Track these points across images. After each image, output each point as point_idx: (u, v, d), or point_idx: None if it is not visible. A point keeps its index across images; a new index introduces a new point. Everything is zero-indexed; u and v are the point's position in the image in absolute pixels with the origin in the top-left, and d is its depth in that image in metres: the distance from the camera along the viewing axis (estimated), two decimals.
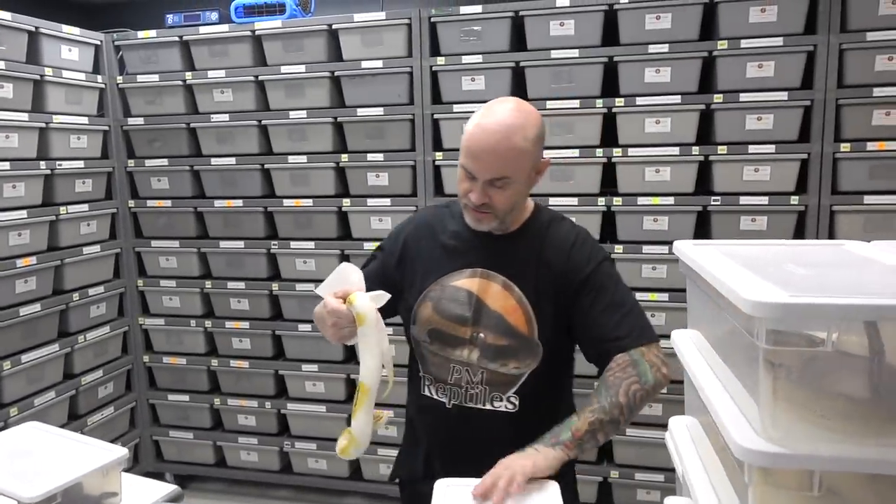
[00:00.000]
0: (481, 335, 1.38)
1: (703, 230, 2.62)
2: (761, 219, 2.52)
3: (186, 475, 3.40)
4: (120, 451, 1.46)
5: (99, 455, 1.45)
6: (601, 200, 2.65)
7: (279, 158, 2.98)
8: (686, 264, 0.97)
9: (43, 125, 2.76)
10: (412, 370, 1.52)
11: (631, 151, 2.59)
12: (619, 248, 2.65)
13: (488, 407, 1.39)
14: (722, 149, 2.51)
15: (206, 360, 3.22)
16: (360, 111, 2.84)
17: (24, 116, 2.67)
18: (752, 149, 2.48)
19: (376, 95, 2.83)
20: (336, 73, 2.85)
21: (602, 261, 1.39)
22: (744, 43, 2.43)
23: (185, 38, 2.99)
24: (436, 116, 2.77)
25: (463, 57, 2.69)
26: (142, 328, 3.29)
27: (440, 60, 2.72)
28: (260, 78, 2.94)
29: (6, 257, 2.60)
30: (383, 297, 1.33)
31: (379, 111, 2.81)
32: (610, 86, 2.62)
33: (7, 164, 2.59)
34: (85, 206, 2.98)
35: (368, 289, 1.35)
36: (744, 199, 2.51)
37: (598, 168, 2.65)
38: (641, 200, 2.61)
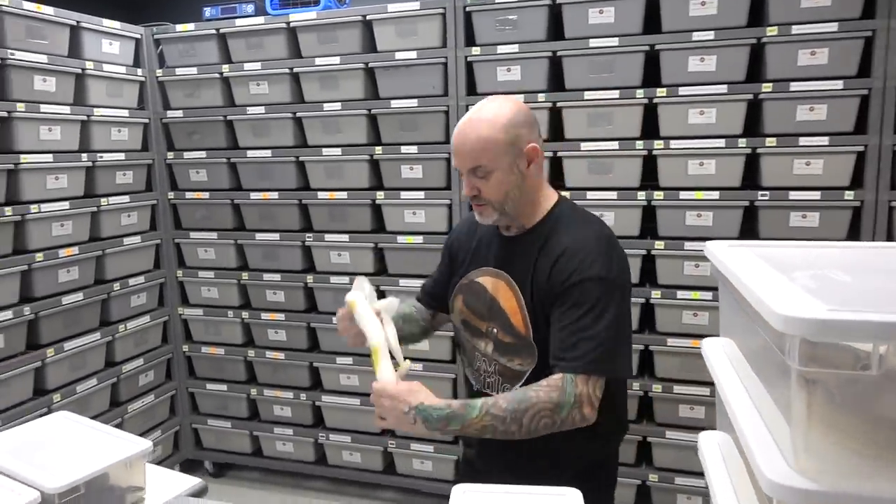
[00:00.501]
0: (494, 330, 1.47)
1: (749, 226, 2.50)
2: (813, 215, 2.39)
3: (224, 463, 3.45)
4: (144, 444, 1.47)
5: (124, 447, 1.46)
6: (641, 194, 2.55)
7: (314, 151, 2.97)
8: (717, 268, 0.89)
9: (84, 118, 2.81)
10: (463, 352, 1.65)
11: (673, 144, 2.49)
12: (659, 244, 2.55)
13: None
14: (771, 141, 2.39)
15: (243, 351, 3.25)
16: (395, 103, 2.80)
17: (67, 109, 2.72)
18: (803, 141, 2.35)
19: (410, 87, 2.78)
20: (370, 65, 2.82)
21: (586, 279, 1.33)
22: (795, 29, 2.30)
23: (221, 30, 3.00)
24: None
25: (498, 47, 2.63)
26: (181, 318, 3.34)
27: (475, 50, 2.66)
28: (295, 70, 2.93)
29: (49, 247, 2.66)
30: (393, 304, 1.50)
31: (413, 103, 2.77)
32: (651, 75, 2.52)
33: (50, 156, 2.65)
34: (126, 198, 3.04)
35: (436, 292, 1.68)
36: (794, 195, 2.38)
37: (639, 161, 2.55)
38: (684, 195, 2.50)
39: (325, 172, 2.98)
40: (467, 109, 2.66)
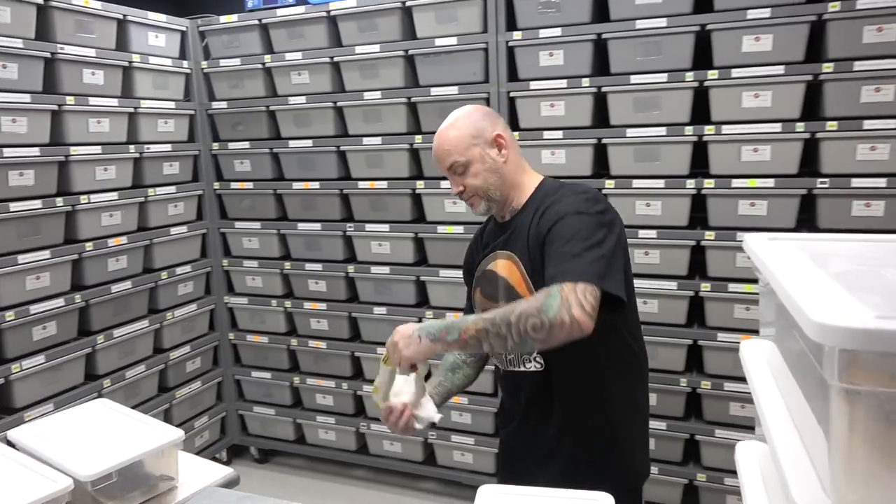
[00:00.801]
0: None
1: (808, 216, 2.36)
2: (877, 203, 2.23)
3: (269, 449, 3.51)
4: (176, 433, 1.48)
5: (157, 436, 1.48)
6: (690, 182, 2.44)
7: (354, 140, 2.95)
8: (755, 265, 0.80)
9: (132, 110, 2.87)
10: None
11: (725, 129, 2.36)
12: (709, 235, 2.43)
13: (522, 368, 1.57)
14: (832, 125, 2.24)
15: (286, 340, 3.28)
16: (434, 91, 2.76)
17: (115, 102, 2.78)
18: (867, 124, 2.19)
19: (450, 74, 2.73)
20: (410, 52, 2.78)
21: (565, 216, 1.42)
22: (860, 3, 2.13)
23: (263, 21, 3.00)
24: (512, 94, 2.64)
25: (541, 30, 2.54)
26: (227, 307, 3.40)
27: (517, 35, 2.59)
28: (335, 59, 2.91)
29: (99, 237, 2.73)
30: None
31: (453, 90, 2.72)
32: (702, 57, 2.40)
33: (99, 148, 2.71)
34: (172, 188, 3.09)
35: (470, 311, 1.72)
36: (856, 182, 2.23)
37: (688, 147, 2.44)
38: (736, 183, 2.38)
39: (365, 162, 2.96)
40: (508, 96, 2.65)
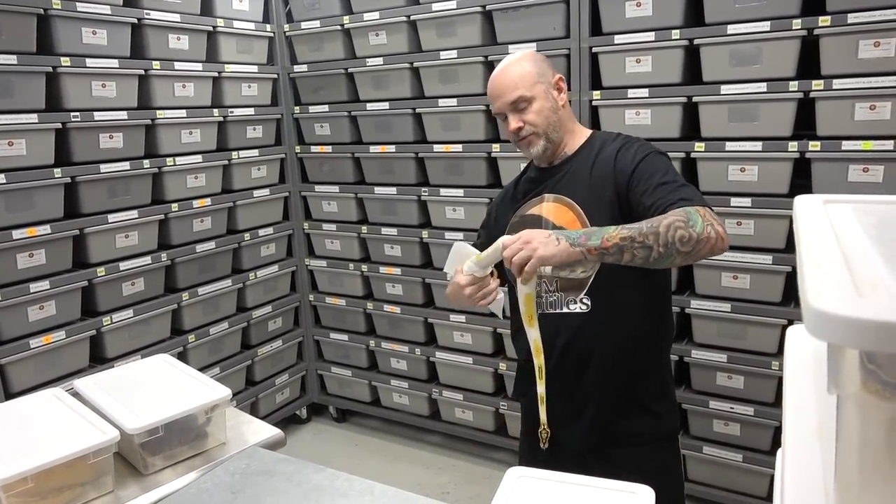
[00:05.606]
0: None
1: None
2: None
3: (347, 409, 3.58)
4: (224, 392, 1.50)
5: (206, 393, 1.50)
6: (793, 145, 2.18)
7: (430, 102, 2.87)
8: (796, 232, 0.61)
9: (216, 74, 2.93)
10: (511, 301, 1.64)
11: (837, 83, 2.08)
12: None
13: (565, 310, 1.54)
14: None
15: (362, 303, 3.30)
16: (512, 48, 2.61)
17: (199, 66, 2.84)
18: None
19: (529, 29, 2.58)
20: (488, 7, 2.64)
21: (648, 153, 1.48)
22: None
23: None
24: (594, 50, 2.46)
25: None
26: (307, 269, 3.46)
27: None
28: (412, 17, 2.83)
29: (184, 198, 2.83)
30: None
31: (532, 47, 2.57)
32: (812, 1, 2.11)
33: (184, 111, 2.79)
34: (255, 152, 3.15)
35: None
36: None
37: (792, 105, 2.18)
38: (847, 145, 2.10)
39: (441, 124, 2.88)
40: (590, 52, 2.47)
